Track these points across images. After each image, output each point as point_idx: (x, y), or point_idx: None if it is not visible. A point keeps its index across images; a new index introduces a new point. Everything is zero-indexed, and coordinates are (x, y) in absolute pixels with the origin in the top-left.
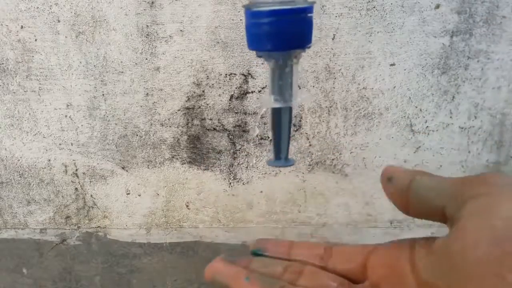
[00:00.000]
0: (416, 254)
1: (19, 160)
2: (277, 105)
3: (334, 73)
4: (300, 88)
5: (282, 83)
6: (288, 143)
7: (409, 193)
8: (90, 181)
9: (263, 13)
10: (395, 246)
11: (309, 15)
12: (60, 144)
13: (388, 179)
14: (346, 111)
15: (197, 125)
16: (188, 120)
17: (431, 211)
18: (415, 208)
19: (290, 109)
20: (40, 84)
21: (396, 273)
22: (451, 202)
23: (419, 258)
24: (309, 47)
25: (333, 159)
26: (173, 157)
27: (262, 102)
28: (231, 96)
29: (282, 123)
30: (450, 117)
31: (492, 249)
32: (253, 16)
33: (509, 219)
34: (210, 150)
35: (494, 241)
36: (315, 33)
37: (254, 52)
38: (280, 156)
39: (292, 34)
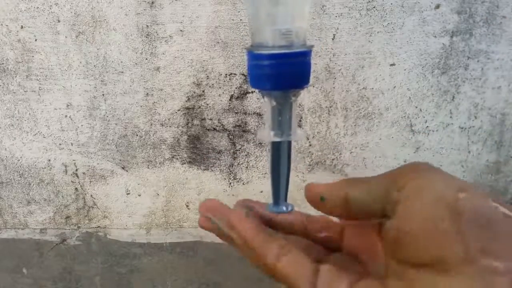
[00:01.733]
0: (383, 233)
1: (19, 160)
2: (276, 139)
3: (334, 73)
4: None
5: (281, 119)
6: (287, 185)
7: (348, 206)
8: (90, 181)
9: (263, 56)
10: (367, 223)
11: (308, 58)
12: (60, 144)
13: (321, 198)
14: (346, 111)
15: (197, 125)
16: (188, 120)
17: (372, 213)
18: (357, 216)
19: (289, 143)
20: (40, 84)
21: (370, 248)
22: (388, 198)
23: (383, 237)
24: (307, 87)
25: (333, 159)
26: (173, 157)
27: (261, 137)
28: (231, 96)
29: (281, 159)
30: (450, 117)
31: (426, 224)
32: (254, 58)
33: (437, 200)
34: (210, 150)
35: (426, 219)
36: (315, 33)
37: None
38: (279, 202)
39: (291, 76)
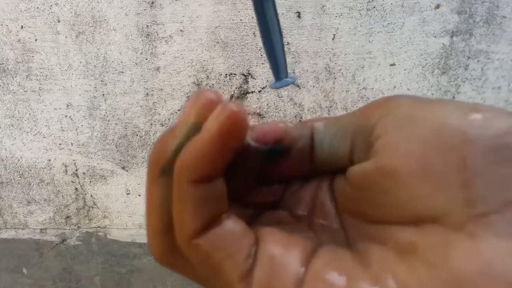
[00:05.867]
0: (335, 183)
1: (19, 160)
2: None
3: (334, 73)
4: (300, 88)
5: None
6: (283, 52)
7: (313, 153)
8: (90, 181)
9: None
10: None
11: None
12: (60, 144)
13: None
14: (346, 111)
15: None
16: None
17: (339, 162)
18: (319, 168)
19: (273, 2)
20: (40, 84)
21: (317, 202)
22: (359, 137)
23: (337, 189)
24: None
25: None
26: None
27: None
28: (231, 96)
29: (267, 20)
30: None
31: (425, 162)
32: None
33: (437, 126)
34: None
35: (426, 153)
36: (315, 33)
37: (254, 52)
38: (280, 75)
39: None
